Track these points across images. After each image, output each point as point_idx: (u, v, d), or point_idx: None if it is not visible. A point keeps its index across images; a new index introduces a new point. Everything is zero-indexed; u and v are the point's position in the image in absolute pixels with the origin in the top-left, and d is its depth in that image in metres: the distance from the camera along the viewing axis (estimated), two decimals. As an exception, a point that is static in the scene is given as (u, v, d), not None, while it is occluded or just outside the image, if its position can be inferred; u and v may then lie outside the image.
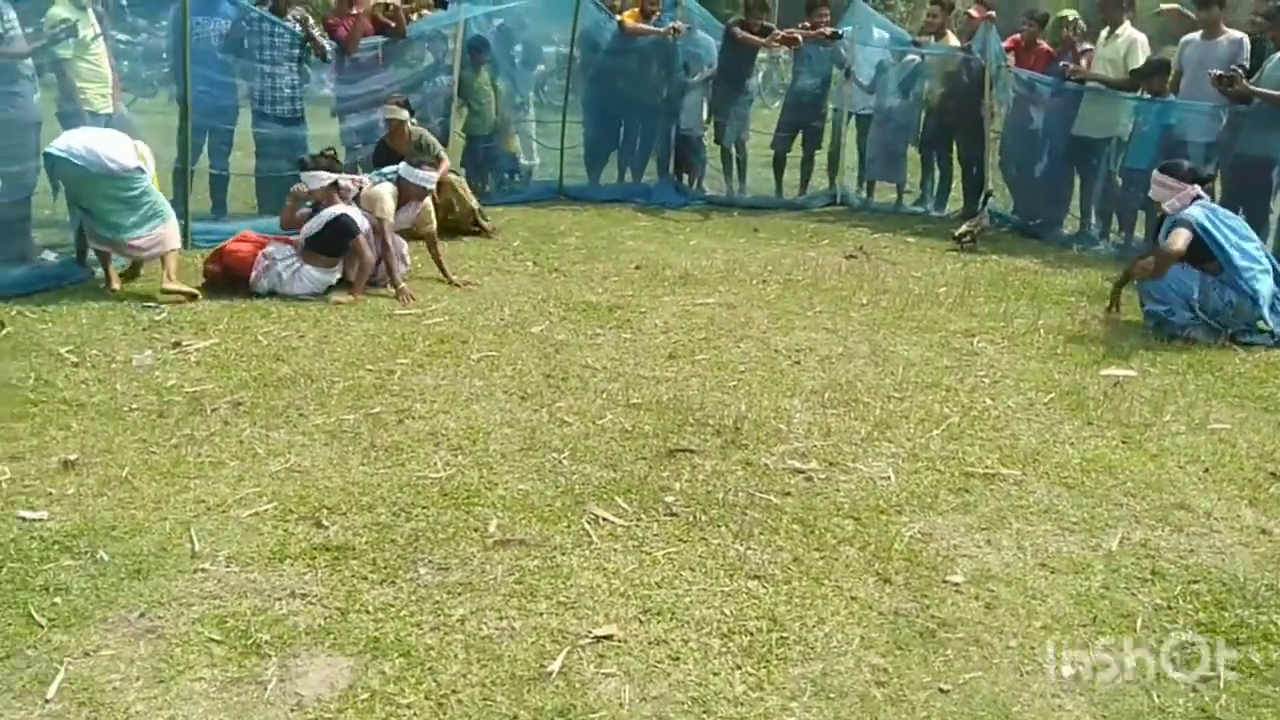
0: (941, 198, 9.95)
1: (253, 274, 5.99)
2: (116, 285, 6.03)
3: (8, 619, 2.81)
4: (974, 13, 9.59)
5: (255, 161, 7.96)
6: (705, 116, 10.11)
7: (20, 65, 6.09)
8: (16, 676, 2.58)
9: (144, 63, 7.89)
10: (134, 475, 3.68)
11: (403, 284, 6.24)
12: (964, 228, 8.40)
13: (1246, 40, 7.62)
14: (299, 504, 3.51)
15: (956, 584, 3.17)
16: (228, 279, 6.06)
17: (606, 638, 2.81)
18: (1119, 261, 7.31)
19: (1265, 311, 5.70)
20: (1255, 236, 5.90)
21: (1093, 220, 8.75)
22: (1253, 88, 7.17)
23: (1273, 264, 5.85)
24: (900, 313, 6.22)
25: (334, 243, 6.11)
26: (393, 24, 8.42)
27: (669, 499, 3.64)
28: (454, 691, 2.58)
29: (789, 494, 3.73)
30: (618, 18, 9.68)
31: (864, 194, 10.28)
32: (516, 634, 2.82)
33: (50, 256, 6.42)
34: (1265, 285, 5.70)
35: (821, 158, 10.23)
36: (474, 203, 8.13)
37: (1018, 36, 9.37)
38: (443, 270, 6.56)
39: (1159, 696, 2.67)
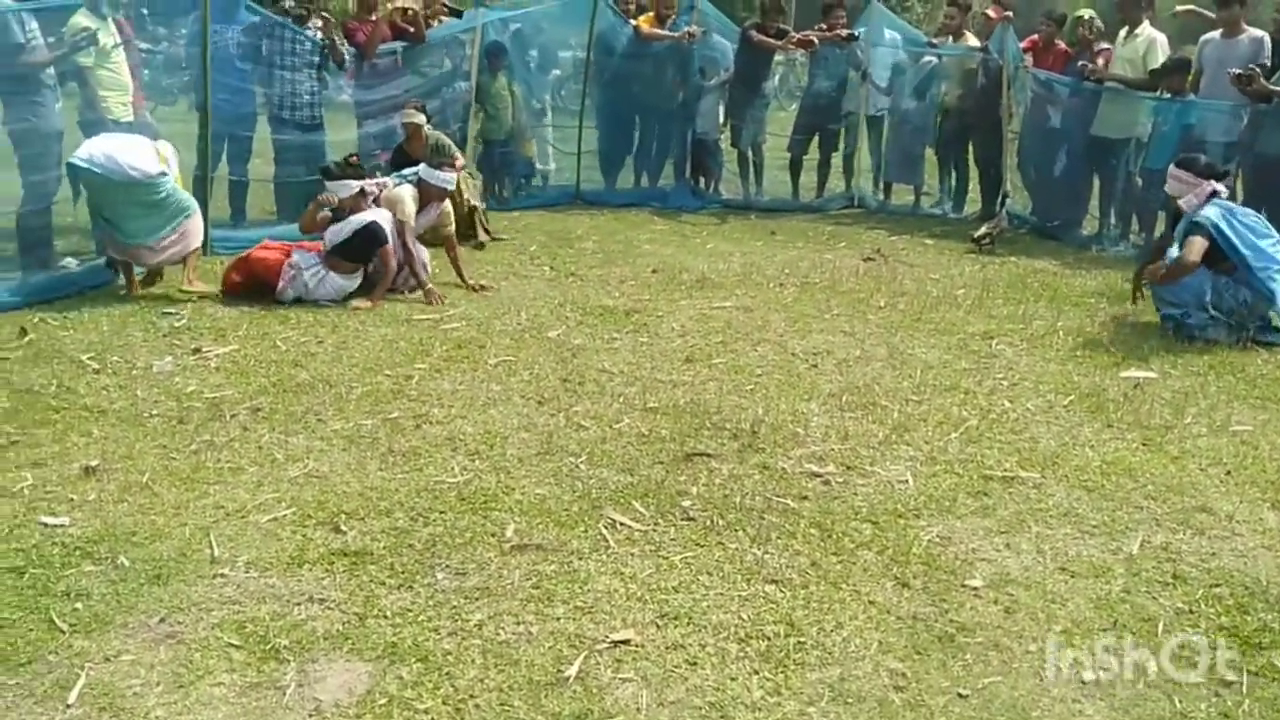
0: (959, 199, 9.92)
1: (280, 283, 6.02)
2: (136, 291, 6.08)
3: (29, 624, 2.83)
4: (991, 13, 9.55)
5: (274, 168, 8.02)
6: (722, 120, 10.10)
7: (43, 74, 6.15)
8: (38, 682, 2.60)
9: (164, 71, 7.95)
10: (154, 481, 3.70)
11: (430, 285, 6.27)
12: (983, 229, 8.38)
13: (1267, 39, 7.56)
14: (317, 509, 3.53)
15: (975, 588, 3.15)
16: (253, 287, 6.06)
17: (624, 642, 2.81)
18: (1139, 263, 7.24)
19: None
20: (1273, 232, 5.84)
21: (1112, 221, 8.69)
22: (1272, 87, 7.11)
23: None
24: (918, 315, 6.20)
25: (361, 250, 6.14)
26: (411, 29, 8.47)
27: (686, 503, 3.64)
28: (471, 696, 2.59)
29: (806, 498, 3.72)
30: (633, 22, 9.70)
31: (881, 196, 10.26)
32: (534, 639, 2.82)
33: (72, 264, 6.48)
34: None
35: (838, 160, 10.22)
36: (478, 203, 7.98)
37: (1035, 37, 9.33)
38: (460, 274, 6.58)
39: (1180, 701, 2.65)
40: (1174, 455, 4.19)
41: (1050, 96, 8.97)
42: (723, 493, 3.73)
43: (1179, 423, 4.53)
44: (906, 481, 3.88)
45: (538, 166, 10.10)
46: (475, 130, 9.23)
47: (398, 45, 8.51)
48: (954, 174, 9.92)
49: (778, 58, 11.05)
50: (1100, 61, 8.49)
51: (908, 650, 2.83)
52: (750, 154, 10.09)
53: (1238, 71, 7.13)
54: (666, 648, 2.80)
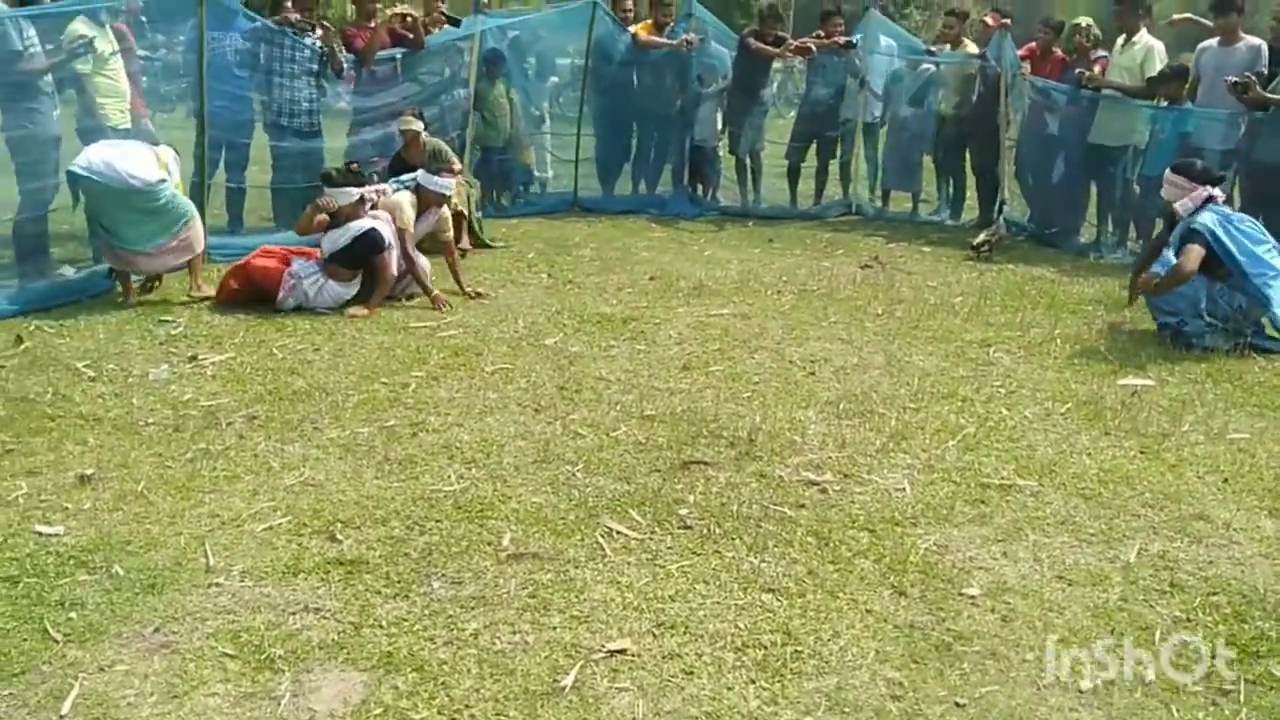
0: (957, 206, 9.92)
1: (280, 293, 6.01)
2: (134, 299, 6.07)
3: (23, 634, 2.82)
4: (989, 21, 9.57)
5: (271, 175, 8.02)
6: (720, 127, 10.11)
7: (40, 82, 6.14)
8: (31, 692, 2.59)
9: (162, 78, 7.95)
10: (149, 490, 3.70)
11: (435, 290, 6.29)
12: (981, 237, 8.38)
13: (1265, 46, 7.56)
14: (313, 518, 3.52)
15: (972, 597, 3.15)
16: (252, 295, 6.06)
17: (620, 652, 2.80)
18: (1135, 266, 7.25)
19: (1276, 311, 5.63)
20: (1269, 238, 5.84)
21: (1109, 228, 8.71)
22: (1268, 95, 7.12)
23: None
24: (916, 323, 6.20)
25: (359, 257, 6.14)
26: (411, 36, 8.47)
27: (683, 512, 3.63)
28: (467, 706, 2.58)
29: (803, 506, 3.72)
30: (631, 30, 9.71)
31: (879, 203, 10.26)
32: (530, 648, 2.82)
33: (68, 271, 6.48)
34: (1277, 291, 5.65)
35: (835, 167, 10.23)
36: (464, 209, 7.79)
37: (1033, 45, 9.34)
38: (458, 281, 6.57)
39: (1178, 710, 2.64)
40: (1171, 463, 4.18)
41: (1048, 104, 8.97)
42: (719, 501, 3.73)
43: (1176, 430, 4.52)
44: (904, 489, 3.87)
45: (536, 174, 10.11)
46: (473, 137, 9.24)
47: (397, 52, 8.51)
48: (951, 181, 9.93)
49: (776, 65, 11.06)
50: (1097, 69, 8.50)
51: (905, 659, 2.82)
52: (748, 161, 10.09)
53: (1234, 79, 7.14)
54: (663, 657, 2.79)
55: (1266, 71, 7.33)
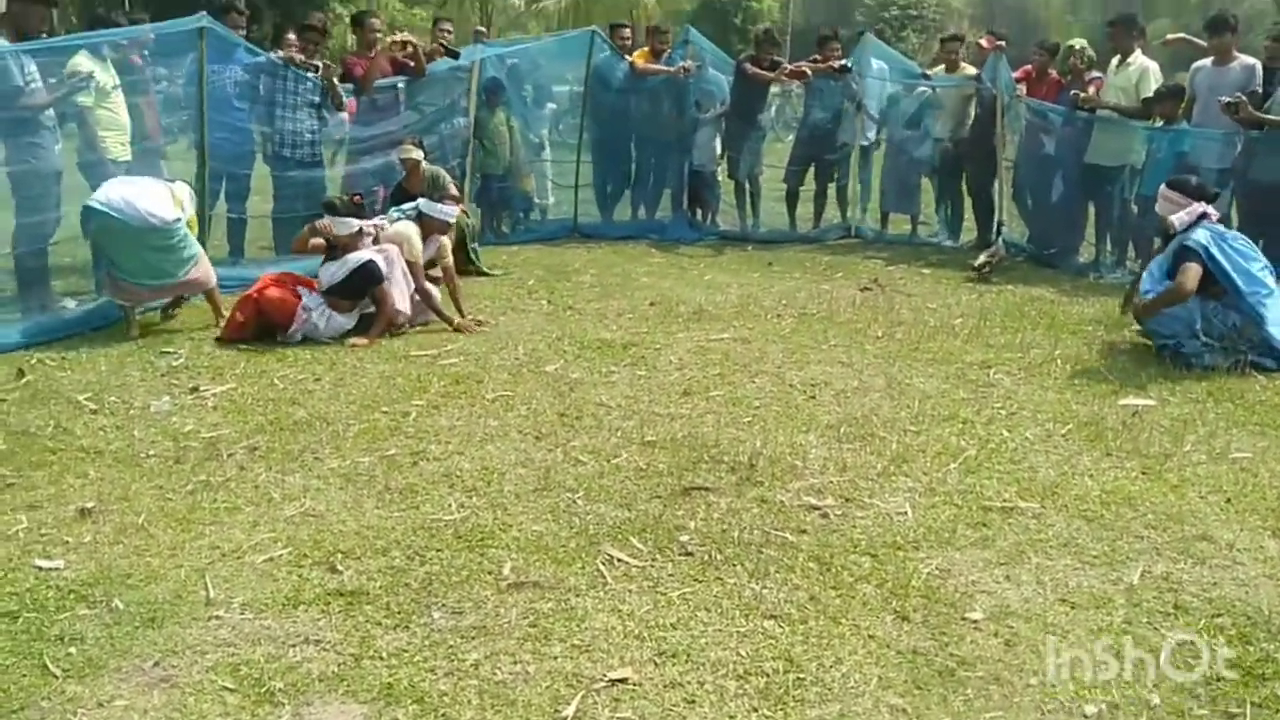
0: (955, 228, 9.95)
1: (293, 325, 6.01)
2: (137, 333, 6.08)
3: (23, 670, 2.81)
4: (984, 43, 9.62)
5: (273, 204, 8.06)
6: (718, 152, 10.16)
7: (41, 116, 6.18)
8: (31, 728, 2.58)
9: (164, 110, 8.01)
10: (150, 522, 3.69)
11: (457, 319, 6.40)
12: (982, 258, 8.39)
13: (1259, 66, 7.61)
14: (313, 549, 3.52)
15: (975, 621, 3.13)
16: (260, 327, 6.03)
17: (621, 681, 2.79)
18: (1131, 284, 7.26)
19: (1272, 331, 5.62)
20: (1261, 257, 5.85)
21: (1108, 248, 8.73)
22: (1260, 115, 7.15)
23: None
24: (916, 345, 6.20)
25: (358, 289, 6.16)
26: (412, 64, 8.52)
27: (684, 538, 3.62)
28: (468, 738, 2.57)
29: (805, 531, 3.71)
30: (629, 58, 9.77)
31: (878, 226, 10.29)
32: (531, 678, 2.80)
33: (70, 304, 6.50)
34: (1273, 310, 5.65)
35: (834, 190, 10.26)
36: (467, 239, 7.85)
37: (1029, 67, 9.39)
38: (459, 308, 6.59)
39: (1184, 735, 2.63)
40: (1174, 484, 4.17)
41: (1044, 125, 9.01)
42: (720, 527, 3.72)
43: (1178, 451, 4.51)
44: (905, 513, 3.86)
45: (536, 201, 10.15)
46: (473, 165, 9.28)
47: (399, 80, 8.56)
48: (950, 203, 9.96)
49: (773, 89, 11.11)
50: (1091, 90, 8.54)
51: (908, 685, 2.81)
52: (747, 185, 10.13)
53: (1226, 100, 7.17)
54: (664, 686, 2.78)
55: (1261, 90, 7.36)
